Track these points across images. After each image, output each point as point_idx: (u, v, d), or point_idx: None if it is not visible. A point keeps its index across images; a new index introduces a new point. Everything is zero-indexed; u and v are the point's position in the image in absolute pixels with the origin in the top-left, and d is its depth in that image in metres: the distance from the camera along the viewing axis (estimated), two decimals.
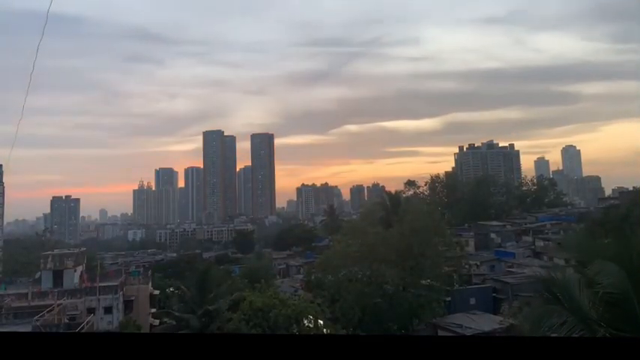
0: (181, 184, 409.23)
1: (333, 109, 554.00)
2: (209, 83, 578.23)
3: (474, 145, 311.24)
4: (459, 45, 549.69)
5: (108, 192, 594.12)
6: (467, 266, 55.76)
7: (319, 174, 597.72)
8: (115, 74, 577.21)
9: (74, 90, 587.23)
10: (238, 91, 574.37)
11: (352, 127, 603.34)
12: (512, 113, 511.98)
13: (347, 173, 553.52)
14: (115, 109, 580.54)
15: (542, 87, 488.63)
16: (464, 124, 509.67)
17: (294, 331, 32.71)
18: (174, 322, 40.50)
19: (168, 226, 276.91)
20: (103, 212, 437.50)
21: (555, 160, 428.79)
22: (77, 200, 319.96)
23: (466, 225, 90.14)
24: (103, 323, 41.68)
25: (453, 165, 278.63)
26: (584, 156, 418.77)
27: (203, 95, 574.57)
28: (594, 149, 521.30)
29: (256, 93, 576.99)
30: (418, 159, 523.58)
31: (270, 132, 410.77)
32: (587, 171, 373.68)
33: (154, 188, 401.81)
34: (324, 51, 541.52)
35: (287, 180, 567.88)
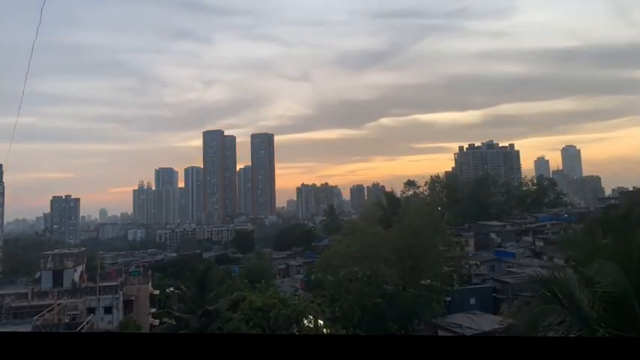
0: (181, 184, 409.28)
1: (375, 98, 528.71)
2: (250, 65, 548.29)
3: (474, 145, 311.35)
4: (549, 17, 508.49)
5: (117, 192, 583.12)
6: (467, 266, 55.78)
7: (334, 172, 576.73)
8: (147, 55, 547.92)
9: (97, 74, 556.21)
10: (279, 77, 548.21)
11: (387, 121, 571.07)
12: (568, 104, 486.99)
13: (364, 171, 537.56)
14: (142, 99, 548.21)
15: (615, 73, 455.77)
16: (506, 118, 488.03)
17: (294, 331, 32.73)
18: (174, 322, 40.47)
19: (168, 226, 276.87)
20: (103, 212, 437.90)
21: (589, 156, 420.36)
22: (77, 200, 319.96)
23: (466, 225, 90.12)
24: (103, 323, 41.68)
25: (453, 165, 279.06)
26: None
27: (240, 81, 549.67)
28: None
29: (298, 79, 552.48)
30: (443, 156, 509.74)
31: (301, 126, 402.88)
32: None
33: (154, 188, 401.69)
34: (391, 24, 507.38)
35: (300, 178, 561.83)
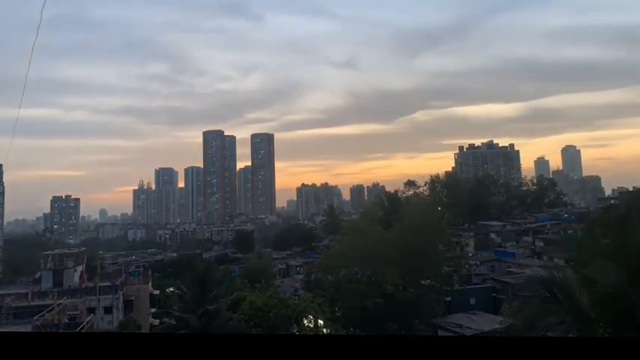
0: (181, 184, 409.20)
1: (416, 88, 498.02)
2: (295, 48, 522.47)
3: (473, 145, 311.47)
4: None
5: (118, 191, 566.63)
6: (467, 266, 55.78)
7: (350, 170, 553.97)
8: (184, 35, 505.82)
9: (124, 58, 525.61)
10: (323, 62, 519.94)
11: (421, 115, 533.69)
12: (618, 95, 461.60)
13: (380, 169, 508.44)
14: (171, 88, 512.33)
15: None
16: (551, 111, 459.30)
17: (294, 331, 32.73)
18: (174, 322, 40.47)
19: (168, 226, 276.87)
20: (103, 212, 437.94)
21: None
22: (77, 200, 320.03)
23: (466, 225, 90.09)
24: (103, 323, 41.68)
25: (453, 165, 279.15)
26: None
27: (281, 67, 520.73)
28: None
29: (342, 65, 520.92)
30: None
31: (330, 120, 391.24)
32: None
33: (154, 188, 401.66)
34: None
35: (313, 177, 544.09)
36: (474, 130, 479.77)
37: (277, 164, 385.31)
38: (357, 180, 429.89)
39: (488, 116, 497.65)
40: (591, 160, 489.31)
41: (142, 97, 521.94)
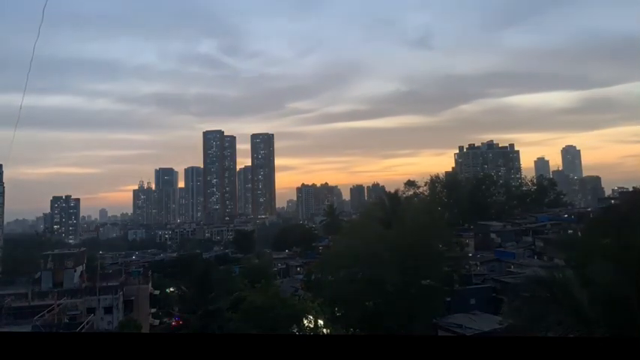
0: (181, 184, 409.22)
1: (477, 75, 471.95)
2: (364, 22, 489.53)
3: (474, 144, 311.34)
4: None
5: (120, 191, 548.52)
6: (467, 266, 55.76)
7: (371, 168, 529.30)
8: (243, 3, 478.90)
9: (170, 32, 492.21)
10: (392, 41, 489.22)
11: (472, 106, 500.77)
12: None
13: (403, 167, 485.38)
14: (214, 71, 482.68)
15: None
16: (609, 101, 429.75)
17: (294, 331, 32.73)
18: (174, 322, 40.51)
19: (169, 226, 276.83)
20: (103, 212, 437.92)
21: None
22: (77, 200, 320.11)
23: (466, 225, 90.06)
24: (103, 323, 41.69)
25: (453, 165, 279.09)
26: None
27: (342, 47, 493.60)
28: None
29: (412, 43, 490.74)
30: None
31: (373, 112, 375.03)
32: None
33: (154, 188, 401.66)
34: None
35: (329, 174, 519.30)
36: (516, 124, 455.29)
37: (295, 161, 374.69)
38: (375, 179, 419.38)
39: (541, 107, 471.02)
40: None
41: (178, 81, 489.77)
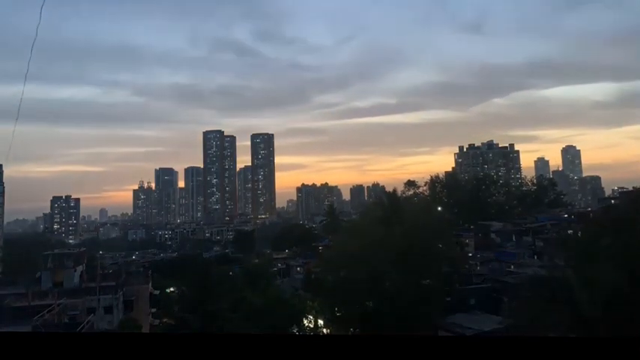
0: (181, 184, 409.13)
1: (519, 64, 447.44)
2: (416, 5, 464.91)
3: (473, 145, 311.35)
4: None
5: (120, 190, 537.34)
6: (467, 266, 55.75)
7: (386, 166, 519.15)
8: None
9: (199, 19, 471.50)
10: (442, 24, 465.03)
11: (500, 101, 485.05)
12: None
13: (417, 165, 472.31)
14: (247, 59, 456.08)
15: None
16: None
17: (294, 331, 32.74)
18: (174, 322, 40.49)
19: (169, 226, 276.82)
20: (103, 212, 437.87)
21: None
22: (77, 200, 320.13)
23: (466, 225, 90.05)
24: (103, 323, 41.68)
25: (453, 165, 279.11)
26: None
27: (385, 34, 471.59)
28: None
29: (462, 28, 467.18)
30: (532, 146, 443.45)
31: (402, 106, 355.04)
32: None
33: (154, 188, 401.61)
34: None
35: (341, 173, 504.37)
36: (548, 119, 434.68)
37: (306, 159, 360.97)
38: (385, 178, 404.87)
39: (578, 100, 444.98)
40: None
41: (203, 70, 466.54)
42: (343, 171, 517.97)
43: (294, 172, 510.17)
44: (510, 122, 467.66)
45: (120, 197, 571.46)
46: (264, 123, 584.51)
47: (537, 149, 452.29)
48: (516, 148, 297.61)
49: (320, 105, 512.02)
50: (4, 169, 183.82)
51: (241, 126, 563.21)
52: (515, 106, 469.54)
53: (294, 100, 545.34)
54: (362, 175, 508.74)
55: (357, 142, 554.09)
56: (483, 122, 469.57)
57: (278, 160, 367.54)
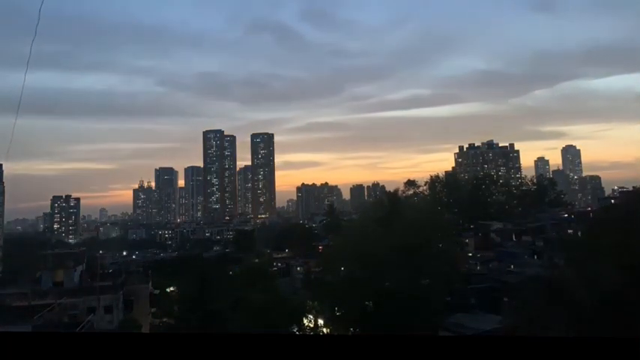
0: (181, 183, 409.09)
1: (578, 50, 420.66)
2: None
3: (474, 144, 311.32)
4: None
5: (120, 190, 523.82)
6: (467, 266, 55.78)
7: (400, 164, 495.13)
8: None
9: None
10: (517, 2, 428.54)
11: (542, 93, 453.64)
12: None
13: (431, 164, 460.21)
14: (286, 43, 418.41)
15: None
16: None
17: (294, 330, 32.75)
18: (174, 322, 40.50)
19: (169, 226, 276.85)
20: (103, 212, 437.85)
21: None
22: (77, 200, 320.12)
23: (466, 225, 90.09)
24: (103, 323, 41.69)
25: (453, 165, 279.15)
26: None
27: (446, 12, 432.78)
28: None
29: (537, 6, 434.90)
30: (557, 142, 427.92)
31: (434, 98, 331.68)
32: None
33: (154, 188, 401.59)
34: None
35: (354, 171, 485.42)
36: (594, 111, 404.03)
37: (322, 156, 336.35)
38: (399, 177, 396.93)
39: (622, 92, 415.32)
40: None
41: (234, 57, 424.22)
42: (356, 169, 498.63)
43: (305, 171, 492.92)
44: (544, 116, 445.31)
45: (120, 197, 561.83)
46: (287, 116, 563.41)
47: (556, 146, 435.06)
48: (543, 144, 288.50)
49: (350, 97, 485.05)
50: (4, 166, 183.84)
51: (262, 120, 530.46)
52: (555, 98, 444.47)
53: (324, 92, 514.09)
54: (376, 174, 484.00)
55: (379, 138, 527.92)
56: (515, 117, 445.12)
57: (290, 157, 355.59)
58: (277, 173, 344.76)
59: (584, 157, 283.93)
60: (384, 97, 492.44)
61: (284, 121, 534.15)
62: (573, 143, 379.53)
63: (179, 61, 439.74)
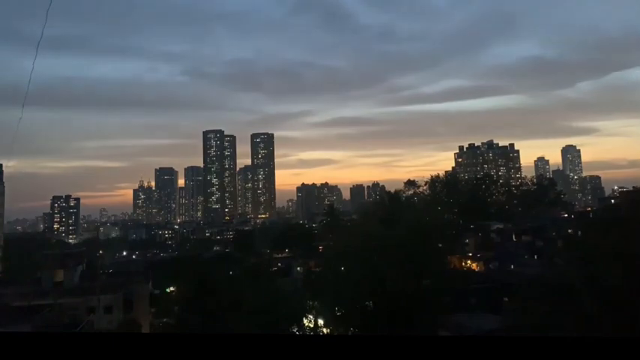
0: (181, 183, 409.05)
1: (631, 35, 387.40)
2: None
3: (474, 144, 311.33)
4: None
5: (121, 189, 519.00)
6: (467, 266, 55.77)
7: (415, 162, 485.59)
8: None
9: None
10: None
11: (585, 85, 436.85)
12: None
13: (450, 162, 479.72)
14: (326, 34, 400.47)
15: None
16: None
17: (294, 330, 32.74)
18: (174, 322, 40.49)
19: (169, 226, 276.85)
20: (103, 212, 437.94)
21: None
22: (77, 199, 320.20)
23: (466, 225, 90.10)
24: (103, 322, 41.70)
25: (453, 164, 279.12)
26: None
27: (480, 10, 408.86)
28: None
29: None
30: (590, 139, 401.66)
31: (469, 90, 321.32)
32: None
33: (154, 188, 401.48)
34: None
35: (366, 170, 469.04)
36: (626, 105, 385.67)
37: (339, 154, 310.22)
38: (411, 176, 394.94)
39: None
40: None
41: (272, 40, 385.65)
42: (370, 168, 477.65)
43: (318, 169, 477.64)
44: (580, 110, 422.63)
45: (122, 196, 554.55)
46: (312, 109, 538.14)
47: (582, 143, 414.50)
48: (570, 141, 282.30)
49: (384, 90, 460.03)
50: (5, 166, 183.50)
51: (284, 113, 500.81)
52: (600, 90, 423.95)
53: (358, 83, 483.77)
54: (387, 173, 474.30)
55: (402, 133, 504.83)
56: (551, 110, 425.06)
57: (305, 155, 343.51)
58: (288, 172, 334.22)
59: (610, 154, 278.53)
60: (419, 90, 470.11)
61: (308, 114, 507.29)
62: (605, 140, 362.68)
63: (210, 45, 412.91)
